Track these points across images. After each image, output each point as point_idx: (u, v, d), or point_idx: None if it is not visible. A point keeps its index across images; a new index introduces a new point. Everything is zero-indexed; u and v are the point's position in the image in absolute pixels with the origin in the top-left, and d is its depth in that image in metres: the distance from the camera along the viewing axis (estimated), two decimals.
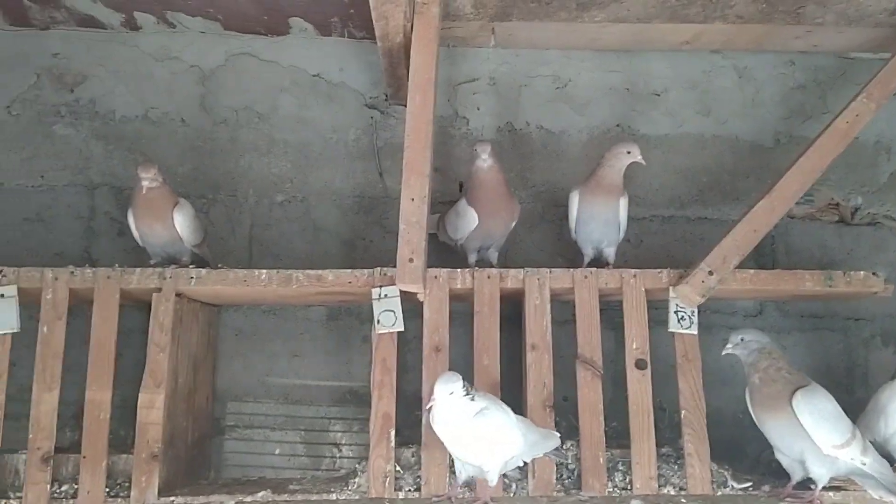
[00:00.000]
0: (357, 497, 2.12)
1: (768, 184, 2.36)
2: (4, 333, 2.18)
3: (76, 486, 2.13)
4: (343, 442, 2.67)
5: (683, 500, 1.84)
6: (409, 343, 2.60)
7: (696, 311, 2.27)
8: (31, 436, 2.14)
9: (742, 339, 2.18)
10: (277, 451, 2.64)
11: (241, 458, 2.63)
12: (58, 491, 2.14)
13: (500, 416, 1.93)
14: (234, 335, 2.72)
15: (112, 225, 2.74)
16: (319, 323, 2.75)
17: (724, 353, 2.21)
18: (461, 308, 2.46)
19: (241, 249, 2.75)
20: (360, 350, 2.74)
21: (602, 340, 2.28)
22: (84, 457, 2.13)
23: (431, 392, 1.91)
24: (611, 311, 2.52)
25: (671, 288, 2.28)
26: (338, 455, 2.65)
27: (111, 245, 2.72)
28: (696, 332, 2.26)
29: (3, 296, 2.18)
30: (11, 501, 2.12)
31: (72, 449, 2.28)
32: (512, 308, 2.42)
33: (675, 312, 2.26)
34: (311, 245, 2.77)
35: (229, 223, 2.77)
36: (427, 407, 1.91)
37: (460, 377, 1.92)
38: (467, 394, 1.89)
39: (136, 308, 2.48)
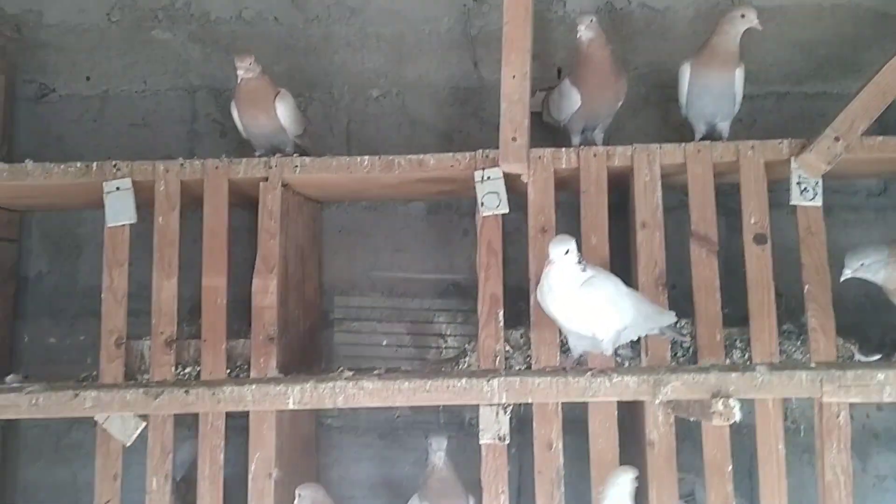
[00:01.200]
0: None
1: None
2: (123, 224, 2.25)
3: (198, 369, 2.21)
4: (448, 333, 2.69)
5: (812, 366, 1.77)
6: (509, 235, 2.54)
7: (820, 181, 2.14)
8: (154, 321, 2.23)
9: (863, 265, 2.04)
10: (385, 343, 2.69)
11: (350, 349, 2.68)
12: (182, 373, 2.23)
13: (610, 284, 1.88)
14: (337, 231, 2.75)
15: (214, 127, 2.79)
16: (419, 218, 2.76)
17: (842, 279, 2.07)
18: (565, 198, 2.40)
19: (340, 146, 2.75)
20: (460, 244, 2.73)
21: None
22: (204, 340, 2.21)
23: (548, 256, 1.86)
24: (722, 196, 2.40)
25: (793, 159, 2.15)
26: (444, 345, 2.68)
27: (214, 146, 2.76)
28: (819, 204, 2.14)
29: (118, 188, 2.25)
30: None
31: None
32: (618, 196, 2.34)
33: (798, 184, 2.13)
34: (407, 139, 2.75)
35: (326, 121, 2.77)
36: (546, 271, 1.87)
37: (573, 239, 1.87)
38: (579, 262, 1.85)
39: (240, 207, 2.52)
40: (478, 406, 2.14)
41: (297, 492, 2.10)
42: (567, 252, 1.82)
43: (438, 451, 2.19)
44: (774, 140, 2.19)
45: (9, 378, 2.16)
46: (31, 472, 2.71)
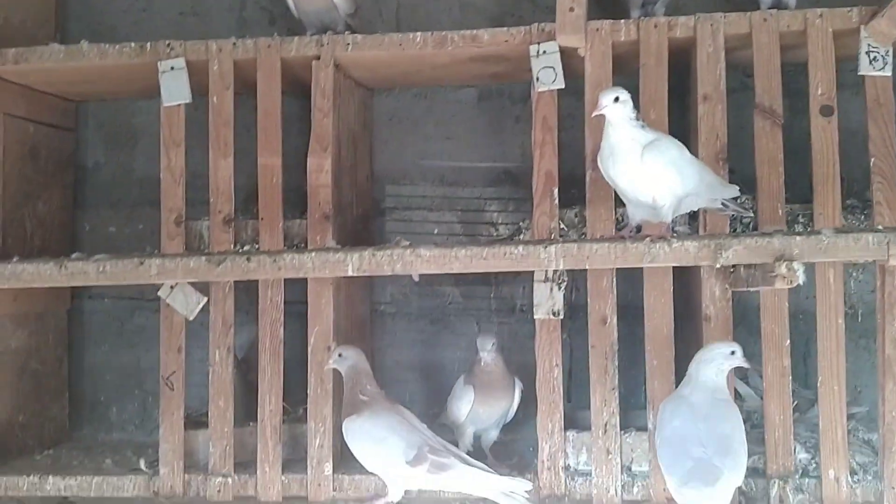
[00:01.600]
0: None
1: None
2: (178, 104, 2.27)
3: (257, 246, 2.25)
4: (499, 221, 2.68)
5: (880, 227, 1.73)
6: (563, 120, 2.51)
7: (890, 51, 2.05)
8: (211, 200, 2.26)
9: None
10: (436, 231, 2.69)
11: (402, 237, 2.69)
12: (241, 250, 2.27)
13: (674, 148, 1.85)
14: (387, 120, 2.74)
15: (263, 14, 2.76)
16: (470, 105, 2.72)
17: None
18: (621, 81, 2.32)
19: (390, 32, 2.70)
20: (512, 131, 2.69)
21: None
22: (262, 219, 2.24)
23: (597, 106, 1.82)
24: (784, 76, 2.32)
25: (862, 27, 2.06)
26: (495, 234, 2.67)
27: (263, 34, 2.66)
28: (889, 74, 2.06)
29: (172, 68, 2.25)
30: None
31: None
32: (676, 77, 2.27)
33: (867, 53, 2.05)
34: (457, 24, 2.66)
35: (376, 5, 2.72)
36: (593, 115, 1.83)
37: (627, 91, 1.82)
38: (636, 118, 1.80)
39: (292, 95, 2.50)
40: (530, 291, 2.15)
41: (337, 351, 2.08)
42: (616, 99, 1.78)
43: (483, 350, 2.19)
44: (844, 8, 2.09)
45: (74, 256, 2.22)
46: (97, 355, 2.81)
